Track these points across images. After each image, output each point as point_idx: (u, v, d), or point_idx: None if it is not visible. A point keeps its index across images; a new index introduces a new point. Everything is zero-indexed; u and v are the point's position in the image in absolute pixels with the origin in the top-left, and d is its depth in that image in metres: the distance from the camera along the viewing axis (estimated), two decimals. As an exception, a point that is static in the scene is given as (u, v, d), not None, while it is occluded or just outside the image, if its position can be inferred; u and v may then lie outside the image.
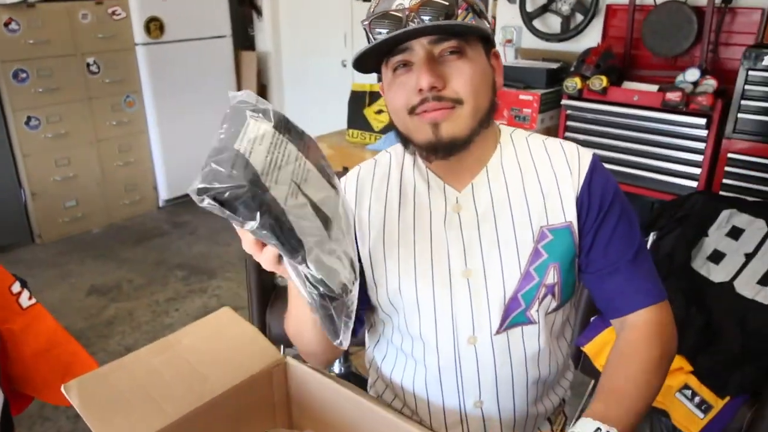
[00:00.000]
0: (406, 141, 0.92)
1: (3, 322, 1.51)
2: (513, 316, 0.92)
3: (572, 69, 2.59)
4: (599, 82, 2.45)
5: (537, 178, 0.94)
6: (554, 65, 2.74)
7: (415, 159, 0.97)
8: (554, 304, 0.93)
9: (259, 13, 4.43)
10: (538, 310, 0.92)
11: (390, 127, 3.09)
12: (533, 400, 0.99)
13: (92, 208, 3.89)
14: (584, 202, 0.92)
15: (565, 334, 1.04)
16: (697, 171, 2.34)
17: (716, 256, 1.88)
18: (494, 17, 3.08)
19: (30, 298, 1.53)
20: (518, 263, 0.91)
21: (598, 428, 0.78)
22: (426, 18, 0.82)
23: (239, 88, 4.41)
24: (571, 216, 0.92)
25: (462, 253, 0.92)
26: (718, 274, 1.84)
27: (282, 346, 2.26)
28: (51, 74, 3.49)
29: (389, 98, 0.90)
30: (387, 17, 0.84)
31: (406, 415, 0.97)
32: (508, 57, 3.06)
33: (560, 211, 0.92)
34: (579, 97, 2.53)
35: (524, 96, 2.64)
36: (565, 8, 2.82)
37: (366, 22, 0.86)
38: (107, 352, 2.63)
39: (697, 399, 1.59)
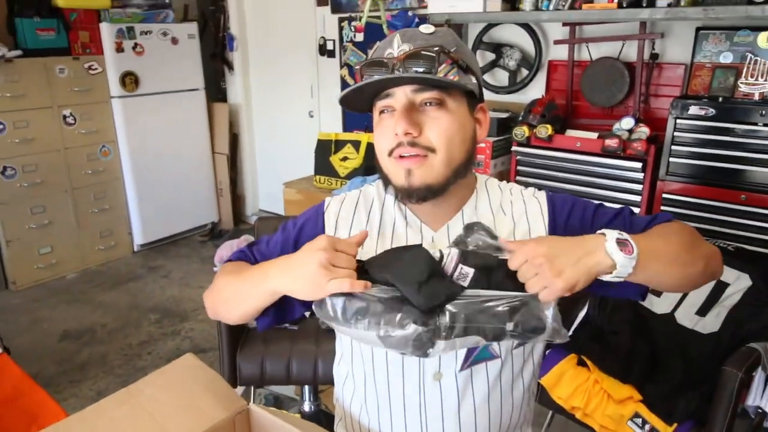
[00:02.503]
0: (386, 181, 0.92)
1: (-34, 374, 1.41)
2: (477, 353, 0.90)
3: (520, 118, 2.64)
4: (545, 130, 2.50)
5: (504, 222, 0.94)
6: (504, 115, 2.79)
7: (396, 195, 0.97)
8: (516, 341, 0.91)
9: (231, 67, 4.43)
10: (500, 344, 0.90)
11: (354, 173, 3.11)
12: None
13: (67, 254, 3.74)
14: (560, 232, 0.92)
15: (524, 374, 0.98)
16: (636, 210, 2.39)
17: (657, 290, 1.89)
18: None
19: (-5, 349, 1.44)
20: None
21: (619, 233, 0.78)
22: (410, 68, 0.83)
23: (212, 138, 4.37)
24: None
25: None
26: (660, 306, 1.86)
27: (253, 387, 2.18)
28: (27, 125, 3.39)
29: (374, 138, 0.91)
30: (377, 64, 0.86)
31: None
32: (462, 107, 3.11)
33: None
34: (527, 144, 2.58)
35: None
36: (512, 63, 2.90)
37: (358, 67, 0.88)
38: (79, 397, 2.49)
39: (647, 427, 1.57)
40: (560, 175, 2.54)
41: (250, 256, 1.01)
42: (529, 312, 0.77)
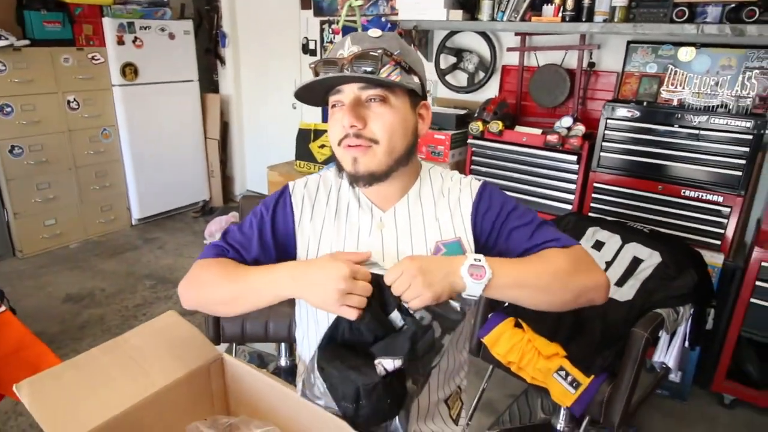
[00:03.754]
0: (340, 167, 0.93)
1: (-28, 328, 1.39)
2: None
3: (476, 115, 2.67)
4: (496, 126, 2.53)
5: (443, 206, 0.95)
6: (462, 112, 2.81)
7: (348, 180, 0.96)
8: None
9: (223, 62, 4.35)
10: None
11: (330, 159, 3.10)
12: (435, 387, 0.99)
13: (70, 225, 3.66)
14: (477, 221, 0.94)
15: (463, 330, 1.02)
16: (571, 197, 2.45)
17: (584, 264, 1.95)
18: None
19: (-1, 306, 1.42)
20: None
21: (477, 258, 0.80)
22: (358, 68, 0.83)
23: (205, 126, 4.30)
24: (461, 232, 0.93)
25: (382, 263, 0.92)
26: (585, 278, 1.92)
27: (235, 345, 2.19)
28: (34, 109, 3.29)
29: (328, 128, 0.91)
30: (328, 63, 0.85)
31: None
32: (426, 104, 3.12)
33: (452, 230, 0.93)
34: (481, 137, 2.61)
35: (438, 135, 2.69)
36: (470, 67, 2.92)
37: (312, 65, 0.86)
38: (78, 353, 2.42)
39: (569, 378, 1.63)
40: (509, 164, 2.59)
41: (228, 249, 0.96)
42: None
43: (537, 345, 1.71)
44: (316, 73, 0.86)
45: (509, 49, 2.74)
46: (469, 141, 2.66)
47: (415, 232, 0.93)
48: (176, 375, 0.86)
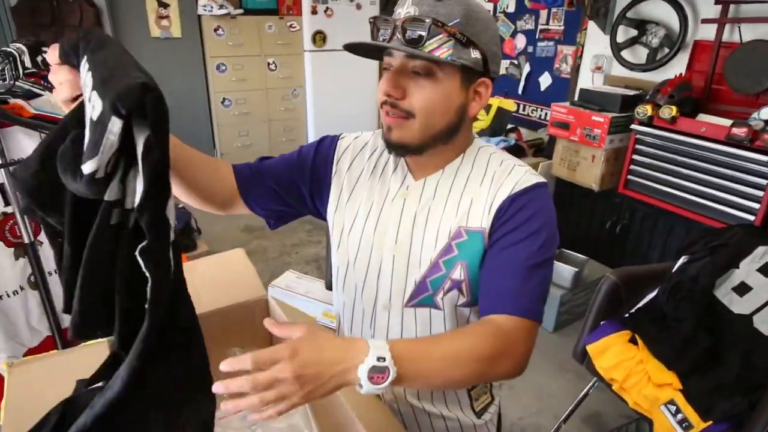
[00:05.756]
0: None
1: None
2: (421, 297, 0.85)
3: (647, 97, 2.27)
4: (669, 111, 2.12)
5: (477, 186, 0.84)
6: (631, 92, 2.41)
7: None
8: (463, 300, 0.84)
9: (403, 32, 4.43)
10: (443, 299, 0.84)
11: (481, 133, 2.97)
12: None
13: (260, 170, 4.21)
14: (501, 212, 0.80)
15: None
16: (755, 206, 1.95)
17: (742, 289, 1.55)
18: (582, 45, 2.77)
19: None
20: (432, 253, 0.83)
21: (381, 357, 0.62)
22: (407, 32, 0.75)
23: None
24: (486, 224, 0.81)
25: (396, 231, 0.87)
26: (739, 305, 1.53)
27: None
28: (242, 68, 3.82)
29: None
30: (385, 21, 0.79)
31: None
32: (596, 82, 2.76)
33: (480, 218, 0.82)
34: (649, 123, 2.22)
35: (596, 117, 2.37)
36: (654, 41, 2.46)
37: (372, 20, 0.82)
38: (240, 275, 2.87)
39: (679, 416, 1.35)
40: (679, 158, 2.16)
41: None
42: None
43: (649, 368, 1.44)
44: (373, 27, 0.80)
45: (704, 21, 2.23)
46: (633, 127, 2.28)
47: (435, 209, 0.85)
48: (221, 304, 0.94)
